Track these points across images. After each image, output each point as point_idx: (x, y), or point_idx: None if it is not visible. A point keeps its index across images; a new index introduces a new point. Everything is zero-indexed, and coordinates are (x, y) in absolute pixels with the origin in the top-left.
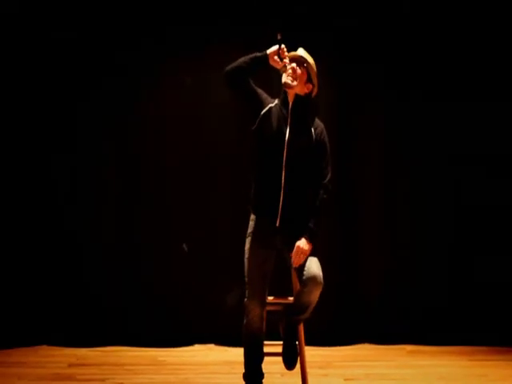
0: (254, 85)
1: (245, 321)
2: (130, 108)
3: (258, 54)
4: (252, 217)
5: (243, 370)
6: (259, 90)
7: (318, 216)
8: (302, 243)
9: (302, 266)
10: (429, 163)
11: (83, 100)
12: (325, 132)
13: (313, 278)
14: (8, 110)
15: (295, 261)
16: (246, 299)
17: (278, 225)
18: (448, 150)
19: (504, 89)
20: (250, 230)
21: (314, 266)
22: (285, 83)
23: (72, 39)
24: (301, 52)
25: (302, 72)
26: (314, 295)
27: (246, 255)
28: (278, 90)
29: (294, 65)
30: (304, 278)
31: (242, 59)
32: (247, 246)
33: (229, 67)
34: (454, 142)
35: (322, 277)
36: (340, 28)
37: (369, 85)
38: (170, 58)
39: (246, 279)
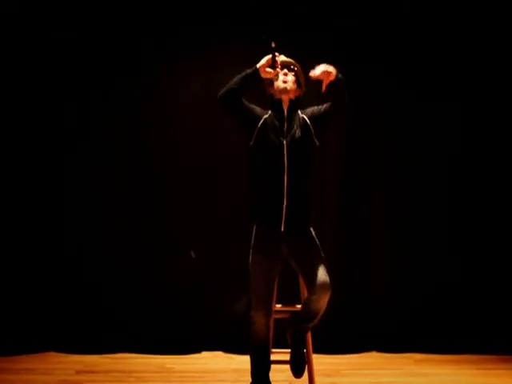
0: (246, 102)
1: (251, 330)
2: (130, 108)
3: (249, 71)
4: (256, 227)
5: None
6: (252, 106)
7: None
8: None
9: (310, 272)
10: (429, 163)
11: (83, 100)
12: (309, 108)
13: (321, 286)
14: (8, 110)
15: (316, 69)
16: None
17: (282, 230)
18: (449, 150)
19: (504, 88)
20: (253, 240)
21: (321, 273)
22: (284, 89)
23: (72, 39)
24: (285, 58)
25: (293, 76)
26: (323, 302)
27: (251, 266)
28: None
29: (285, 70)
30: (312, 285)
31: (233, 81)
32: (251, 256)
33: (222, 92)
34: (454, 142)
35: (329, 284)
36: (340, 28)
37: (369, 85)
38: (170, 58)
39: (252, 289)
